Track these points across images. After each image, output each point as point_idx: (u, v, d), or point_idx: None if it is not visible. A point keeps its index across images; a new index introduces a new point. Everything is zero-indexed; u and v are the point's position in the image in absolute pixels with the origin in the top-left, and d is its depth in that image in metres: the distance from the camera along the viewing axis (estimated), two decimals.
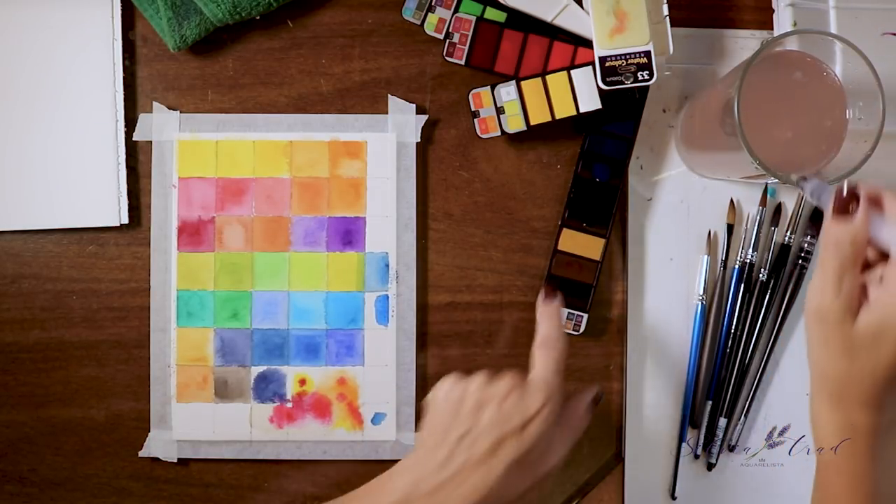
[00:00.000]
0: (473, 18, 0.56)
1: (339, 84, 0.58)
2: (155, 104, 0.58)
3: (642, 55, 0.53)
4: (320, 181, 0.58)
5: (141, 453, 0.57)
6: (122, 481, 0.58)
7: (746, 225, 0.59)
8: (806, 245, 0.58)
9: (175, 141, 0.57)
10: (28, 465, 0.58)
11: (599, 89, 0.55)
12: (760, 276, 0.58)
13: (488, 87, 0.56)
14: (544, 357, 0.49)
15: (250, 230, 0.58)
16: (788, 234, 0.58)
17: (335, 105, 0.58)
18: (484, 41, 0.57)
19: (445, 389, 0.49)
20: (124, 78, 0.57)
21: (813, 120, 0.50)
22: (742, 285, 0.58)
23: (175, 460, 0.57)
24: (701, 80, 0.59)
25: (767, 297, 0.58)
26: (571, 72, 0.56)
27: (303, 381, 0.57)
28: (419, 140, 0.58)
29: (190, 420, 0.57)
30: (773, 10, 0.58)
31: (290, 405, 0.57)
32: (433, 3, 0.57)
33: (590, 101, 0.56)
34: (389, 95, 0.58)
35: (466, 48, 0.56)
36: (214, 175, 0.58)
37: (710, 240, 0.59)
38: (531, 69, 0.57)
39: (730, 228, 0.59)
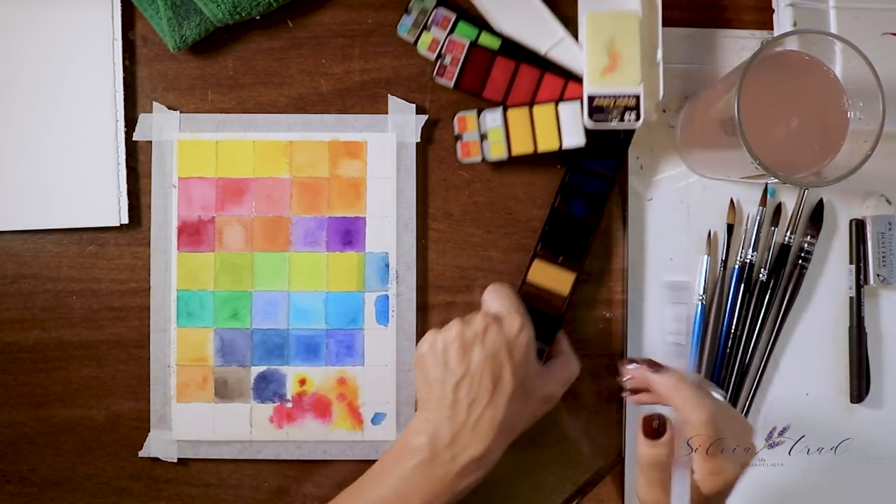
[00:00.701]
0: (467, 42, 0.56)
1: (339, 84, 0.58)
2: (155, 104, 0.58)
3: (631, 97, 0.53)
4: (320, 181, 0.58)
5: (141, 453, 0.57)
6: (122, 481, 0.58)
7: (746, 225, 0.59)
8: (806, 245, 0.58)
9: (175, 141, 0.57)
10: (28, 465, 0.58)
11: (585, 126, 0.55)
12: (760, 276, 0.58)
13: (474, 112, 0.56)
14: (501, 298, 0.52)
15: (250, 230, 0.58)
16: (788, 234, 0.58)
17: (335, 105, 0.58)
18: (475, 66, 0.56)
19: (428, 344, 0.51)
20: (124, 78, 0.57)
21: (813, 120, 0.50)
22: (742, 285, 0.58)
23: (175, 460, 0.57)
24: (701, 80, 0.59)
25: (767, 297, 0.58)
26: (559, 105, 0.56)
27: (303, 381, 0.57)
28: (419, 140, 0.58)
29: (190, 420, 0.57)
30: (773, 10, 0.58)
31: (290, 405, 0.57)
32: (429, 23, 0.57)
33: (574, 137, 0.56)
34: (389, 95, 0.58)
35: (457, 71, 0.56)
36: (214, 175, 0.58)
37: (710, 240, 0.59)
38: (519, 98, 0.56)
39: (730, 228, 0.59)
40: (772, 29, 0.58)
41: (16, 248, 0.58)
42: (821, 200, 0.59)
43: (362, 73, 0.58)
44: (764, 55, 0.47)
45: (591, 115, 0.54)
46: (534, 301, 0.56)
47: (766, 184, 0.58)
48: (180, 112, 0.58)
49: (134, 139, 0.58)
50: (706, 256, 0.58)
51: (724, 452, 0.46)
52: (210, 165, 0.57)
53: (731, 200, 0.59)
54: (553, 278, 0.57)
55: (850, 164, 0.47)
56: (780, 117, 0.49)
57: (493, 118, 0.56)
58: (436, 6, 0.57)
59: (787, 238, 0.58)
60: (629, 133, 0.57)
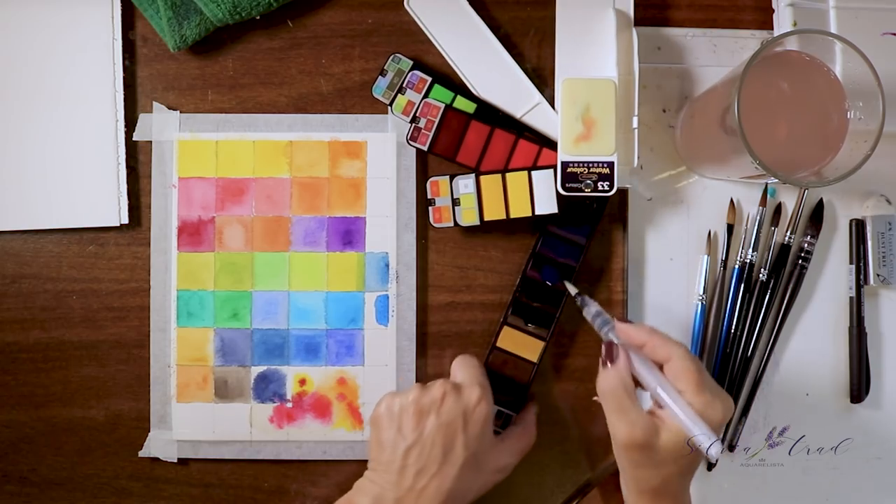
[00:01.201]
0: (442, 106, 0.56)
1: (339, 84, 0.58)
2: (155, 104, 0.58)
3: (605, 165, 0.53)
4: (320, 181, 0.58)
5: (141, 453, 0.57)
6: (122, 481, 0.58)
7: (746, 225, 0.59)
8: (806, 245, 0.58)
9: (175, 141, 0.57)
10: (28, 465, 0.58)
11: (558, 193, 0.55)
12: (760, 276, 0.58)
13: (447, 177, 0.56)
14: (465, 368, 0.52)
15: (250, 230, 0.58)
16: (788, 234, 0.58)
17: (335, 105, 0.58)
18: (449, 129, 0.56)
19: (385, 405, 0.51)
20: (124, 78, 0.57)
21: (813, 120, 0.50)
22: (742, 285, 0.58)
23: (175, 460, 0.57)
24: (701, 80, 0.59)
25: (767, 297, 0.58)
26: (532, 173, 0.56)
27: (303, 381, 0.57)
28: None
29: (190, 420, 0.57)
30: (773, 10, 0.58)
31: (290, 405, 0.57)
32: (404, 85, 0.57)
33: (547, 205, 0.56)
34: None
35: (431, 134, 0.56)
36: (214, 175, 0.58)
37: (710, 240, 0.59)
38: (493, 164, 0.56)
39: (730, 228, 0.59)
40: (772, 29, 0.58)
41: (16, 248, 0.58)
42: (821, 200, 0.59)
43: (362, 73, 0.58)
44: (764, 55, 0.47)
45: (564, 182, 0.54)
46: (502, 367, 0.57)
47: (766, 184, 0.58)
48: (180, 112, 0.58)
49: (134, 139, 0.58)
50: (706, 256, 0.58)
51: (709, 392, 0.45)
52: (210, 165, 0.57)
53: (731, 200, 0.59)
54: (522, 345, 0.57)
55: (850, 164, 0.47)
56: (780, 117, 0.49)
57: (465, 184, 0.56)
58: (411, 69, 0.57)
59: (787, 238, 0.58)
60: (603, 201, 0.57)
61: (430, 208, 0.56)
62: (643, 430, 0.45)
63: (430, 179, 0.56)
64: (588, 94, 0.54)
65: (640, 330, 0.48)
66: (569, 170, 0.54)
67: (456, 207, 0.56)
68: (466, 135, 0.56)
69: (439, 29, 0.57)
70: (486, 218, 0.56)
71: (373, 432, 0.51)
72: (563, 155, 0.54)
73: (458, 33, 0.57)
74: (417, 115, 0.56)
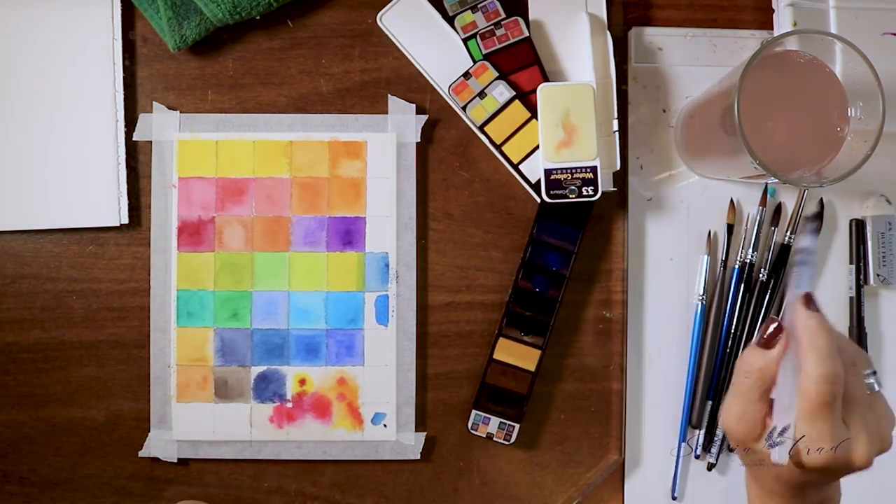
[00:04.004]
0: (526, 33, 0.56)
1: (339, 84, 0.58)
2: (155, 104, 0.58)
3: (588, 170, 0.54)
4: (320, 181, 0.58)
5: (141, 453, 0.57)
6: (122, 481, 0.58)
7: (746, 225, 0.59)
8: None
9: (175, 141, 0.57)
10: (28, 465, 0.58)
11: (543, 202, 0.55)
12: (760, 276, 0.58)
13: (497, 73, 0.56)
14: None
15: (250, 230, 0.58)
16: (788, 234, 0.58)
17: (335, 105, 0.58)
18: (513, 56, 0.56)
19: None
20: (124, 78, 0.57)
21: (813, 120, 0.50)
22: (742, 285, 0.58)
23: (175, 460, 0.57)
24: (701, 80, 0.59)
25: (767, 297, 0.58)
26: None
27: (303, 381, 0.57)
28: (419, 140, 0.58)
29: (190, 420, 0.57)
30: (773, 10, 0.58)
31: (290, 405, 0.57)
32: (478, 6, 0.56)
33: (532, 173, 0.56)
34: (389, 95, 0.58)
35: (497, 47, 0.56)
36: (214, 175, 0.58)
37: (710, 240, 0.59)
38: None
39: (730, 228, 0.59)
40: (772, 29, 0.58)
41: (16, 248, 0.58)
42: (821, 200, 0.59)
43: (362, 73, 0.58)
44: (764, 55, 0.47)
45: (548, 190, 0.54)
46: (500, 379, 0.57)
47: (766, 184, 0.58)
48: (180, 112, 0.58)
49: (134, 139, 0.58)
50: (706, 256, 0.58)
51: (833, 416, 0.41)
52: (210, 165, 0.57)
53: (731, 200, 0.59)
54: (518, 355, 0.57)
55: (850, 164, 0.47)
56: (780, 117, 0.49)
57: (501, 91, 0.56)
58: None
59: (787, 238, 0.58)
60: (588, 205, 0.57)
61: (461, 79, 0.56)
62: (743, 430, 0.45)
63: (482, 62, 0.56)
64: (567, 99, 0.54)
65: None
66: (552, 177, 0.54)
67: (477, 99, 0.56)
68: (522, 73, 0.56)
69: (412, 42, 0.57)
70: (486, 130, 0.56)
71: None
72: (545, 163, 0.54)
73: (431, 44, 0.57)
74: (501, 24, 0.56)
